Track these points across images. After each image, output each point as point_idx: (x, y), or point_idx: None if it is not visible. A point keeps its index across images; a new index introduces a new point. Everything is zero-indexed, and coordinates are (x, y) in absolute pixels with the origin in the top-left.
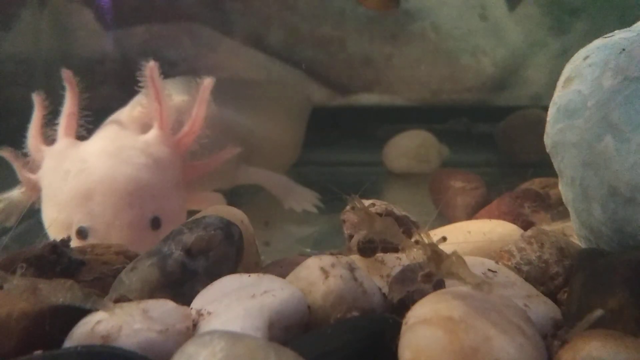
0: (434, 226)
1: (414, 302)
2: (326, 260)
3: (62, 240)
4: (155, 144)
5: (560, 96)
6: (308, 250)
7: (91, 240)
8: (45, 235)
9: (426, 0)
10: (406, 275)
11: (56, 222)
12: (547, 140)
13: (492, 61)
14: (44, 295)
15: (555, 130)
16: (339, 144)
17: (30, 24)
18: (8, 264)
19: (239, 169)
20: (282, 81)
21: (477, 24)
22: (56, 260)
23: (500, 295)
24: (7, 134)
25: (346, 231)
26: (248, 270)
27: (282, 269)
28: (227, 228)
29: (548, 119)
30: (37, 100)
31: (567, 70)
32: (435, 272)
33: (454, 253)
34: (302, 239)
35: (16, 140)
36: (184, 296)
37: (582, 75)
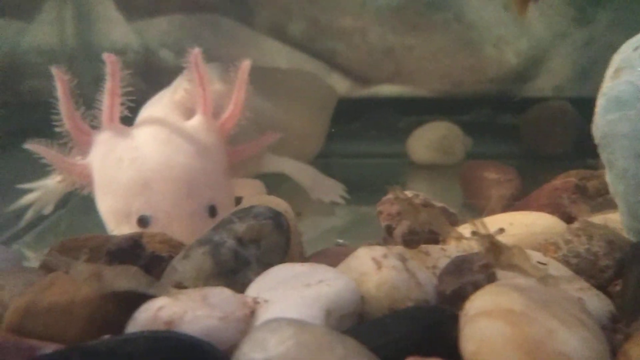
0: (467, 219)
1: (467, 293)
2: (377, 250)
3: (137, 234)
4: (202, 129)
5: (610, 87)
6: (340, 240)
7: (152, 228)
8: (101, 224)
9: None
10: (458, 266)
11: (113, 210)
12: (596, 131)
13: (515, 52)
14: (108, 281)
15: (605, 122)
16: (361, 136)
17: (53, 14)
18: (66, 250)
19: (263, 157)
20: (308, 71)
21: (500, 14)
22: (139, 254)
23: (557, 287)
24: (32, 125)
25: (383, 222)
26: (293, 260)
27: (327, 259)
28: (277, 218)
29: (597, 109)
30: (58, 75)
31: (616, 60)
32: (493, 264)
33: (515, 245)
34: (329, 230)
35: (41, 132)
36: (237, 284)
37: (633, 67)
